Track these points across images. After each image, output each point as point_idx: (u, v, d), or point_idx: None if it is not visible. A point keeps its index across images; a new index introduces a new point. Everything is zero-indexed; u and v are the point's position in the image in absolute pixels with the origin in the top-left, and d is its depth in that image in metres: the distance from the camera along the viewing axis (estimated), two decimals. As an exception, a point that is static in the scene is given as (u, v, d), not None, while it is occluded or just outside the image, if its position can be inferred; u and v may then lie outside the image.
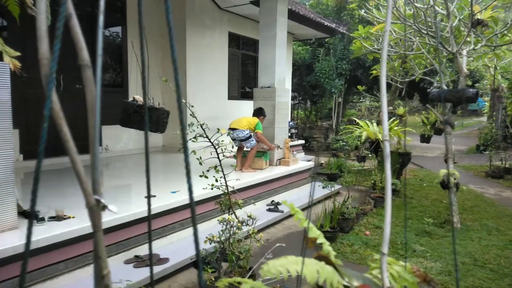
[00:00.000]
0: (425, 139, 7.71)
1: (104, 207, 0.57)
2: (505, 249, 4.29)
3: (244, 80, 9.99)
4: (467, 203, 6.20)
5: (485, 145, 11.36)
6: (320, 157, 10.53)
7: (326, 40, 13.24)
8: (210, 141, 2.47)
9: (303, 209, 5.76)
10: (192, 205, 0.66)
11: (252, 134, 5.90)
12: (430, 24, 5.40)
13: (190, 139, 2.37)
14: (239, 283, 0.85)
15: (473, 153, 12.21)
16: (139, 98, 2.41)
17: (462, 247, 4.30)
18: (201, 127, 2.20)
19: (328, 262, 0.87)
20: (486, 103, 16.80)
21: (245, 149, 6.06)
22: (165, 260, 3.49)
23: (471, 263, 3.88)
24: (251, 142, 5.86)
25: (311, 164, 7.47)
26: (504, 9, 6.07)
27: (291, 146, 8.73)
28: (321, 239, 0.94)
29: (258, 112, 6.17)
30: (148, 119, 2.47)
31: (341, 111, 13.96)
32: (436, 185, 5.37)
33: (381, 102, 0.86)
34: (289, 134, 9.97)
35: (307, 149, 12.38)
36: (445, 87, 5.41)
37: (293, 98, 16.75)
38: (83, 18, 6.78)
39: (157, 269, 3.30)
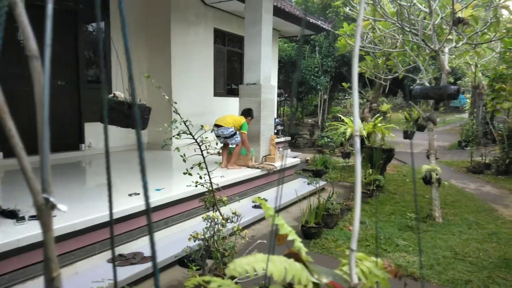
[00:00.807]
0: (408, 135, 7.84)
1: (53, 207, 0.55)
2: (484, 242, 4.40)
3: (230, 76, 9.95)
4: (448, 198, 6.34)
5: (466, 141, 11.63)
6: (306, 154, 10.59)
7: (312, 37, 13.29)
8: (193, 138, 2.45)
9: (288, 206, 5.79)
10: (148, 211, 0.65)
11: (237, 131, 5.88)
12: (413, 22, 5.48)
13: (174, 136, 2.36)
14: (209, 281, 0.84)
15: (455, 149, 12.48)
16: (119, 94, 2.38)
17: (444, 241, 4.39)
18: (185, 123, 2.18)
19: (298, 259, 0.88)
20: (467, 100, 17.16)
21: (230, 146, 6.04)
22: (149, 258, 3.46)
23: (451, 257, 3.97)
24: (236, 139, 5.84)
25: (297, 160, 7.51)
26: (484, 8, 6.19)
27: (277, 143, 8.75)
28: (292, 236, 0.94)
29: (247, 113, 6.14)
30: (136, 115, 2.45)
31: (326, 108, 14.06)
32: (419, 180, 5.47)
33: (353, 97, 0.87)
34: (275, 131, 10.00)
35: (293, 145, 12.44)
36: (428, 84, 5.50)
37: (279, 95, 16.79)
38: (66, 13, 6.65)
39: (141, 267, 3.28)
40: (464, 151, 11.25)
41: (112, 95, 2.45)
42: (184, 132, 2.35)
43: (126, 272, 3.21)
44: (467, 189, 7.10)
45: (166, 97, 2.06)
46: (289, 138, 10.91)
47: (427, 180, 5.11)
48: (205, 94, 8.78)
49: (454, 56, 8.49)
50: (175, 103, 2.18)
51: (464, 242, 4.38)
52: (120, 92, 2.44)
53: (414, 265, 3.75)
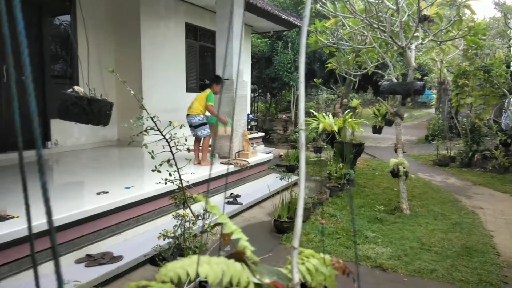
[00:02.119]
0: (376, 130, 8.05)
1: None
2: (448, 232, 4.59)
3: (203, 72, 9.84)
4: (416, 190, 6.56)
5: (433, 135, 12.06)
6: (280, 149, 10.66)
7: (284, 33, 13.34)
8: (161, 134, 2.41)
9: (261, 201, 5.82)
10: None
11: (205, 120, 5.63)
12: (381, 19, 5.60)
13: (141, 132, 2.30)
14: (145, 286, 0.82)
15: (422, 143, 12.92)
16: (79, 89, 2.29)
17: (411, 232, 4.54)
18: (152, 119, 2.13)
19: (241, 259, 0.87)
20: (434, 96, 17.79)
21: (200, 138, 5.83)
22: (119, 258, 3.38)
23: (418, 247, 4.12)
24: (203, 131, 5.60)
25: (270, 156, 7.55)
26: (449, 7, 6.41)
27: (250, 139, 8.75)
28: (237, 234, 0.94)
29: (212, 80, 5.87)
30: (94, 111, 2.36)
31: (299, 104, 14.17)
32: (388, 174, 5.63)
33: (299, 90, 0.87)
34: (249, 127, 10.00)
35: (267, 141, 12.48)
36: (395, 80, 5.65)
37: (253, 91, 16.77)
38: (30, 6, 6.34)
39: (110, 267, 3.20)
40: (431, 145, 11.66)
41: (71, 90, 2.36)
42: (151, 128, 2.30)
43: (95, 273, 3.12)
44: (433, 182, 7.38)
45: (132, 92, 2.00)
46: (262, 134, 10.94)
47: (395, 173, 5.26)
48: (177, 90, 8.64)
49: (421, 53, 8.77)
50: (142, 98, 2.13)
51: (430, 233, 4.55)
52: (79, 87, 2.35)
53: (382, 256, 3.86)
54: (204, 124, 5.61)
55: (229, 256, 0.88)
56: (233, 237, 0.93)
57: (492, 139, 9.28)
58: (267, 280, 0.81)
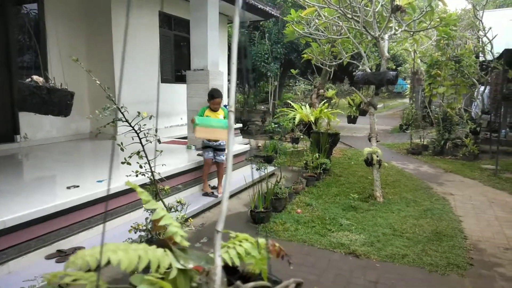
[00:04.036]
0: (351, 119, 8.17)
1: None
2: (420, 218, 4.72)
3: (178, 62, 9.67)
4: (389, 178, 6.71)
5: (407, 125, 12.35)
6: (258, 140, 10.67)
7: (261, 23, 13.26)
8: (130, 125, 2.35)
9: (239, 192, 5.81)
10: None
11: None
12: (355, 9, 5.63)
13: (108, 124, 2.24)
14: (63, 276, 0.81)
15: (396, 132, 13.21)
16: (38, 79, 2.19)
17: (384, 219, 4.65)
18: (119, 109, 2.07)
19: (166, 245, 0.86)
20: (408, 86, 18.17)
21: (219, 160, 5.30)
22: (91, 252, 3.31)
23: (390, 233, 4.22)
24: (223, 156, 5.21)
25: (247, 147, 7.53)
26: (421, -2, 6.52)
27: (227, 130, 8.69)
28: (166, 220, 0.93)
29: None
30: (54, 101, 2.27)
31: (277, 95, 14.20)
32: (363, 163, 5.73)
33: (231, 73, 0.86)
34: (226, 118, 9.94)
35: (245, 132, 12.46)
36: (369, 70, 5.72)
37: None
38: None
39: (81, 262, 3.12)
40: (405, 134, 11.94)
41: (29, 79, 2.26)
42: (119, 119, 2.25)
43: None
44: (406, 170, 7.57)
45: (98, 81, 1.94)
46: (240, 125, 10.90)
47: (369, 162, 5.36)
48: (151, 81, 8.46)
49: (395, 43, 8.90)
50: (108, 88, 2.06)
51: (402, 219, 4.67)
52: (37, 76, 2.25)
53: (356, 243, 3.95)
54: (224, 149, 5.21)
55: (155, 243, 0.87)
56: (162, 223, 0.92)
57: (463, 127, 9.58)
58: (190, 265, 0.81)
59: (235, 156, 6.87)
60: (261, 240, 0.97)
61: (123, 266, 0.74)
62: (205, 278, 0.78)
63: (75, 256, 0.75)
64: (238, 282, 0.84)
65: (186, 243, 0.90)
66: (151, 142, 2.48)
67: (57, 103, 2.25)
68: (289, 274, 3.37)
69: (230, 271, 0.90)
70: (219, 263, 0.79)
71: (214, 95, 5.26)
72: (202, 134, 5.00)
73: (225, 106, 9.66)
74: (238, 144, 7.55)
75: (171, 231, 0.89)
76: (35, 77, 2.17)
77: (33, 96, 2.12)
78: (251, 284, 0.85)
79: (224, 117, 5.24)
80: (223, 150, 5.19)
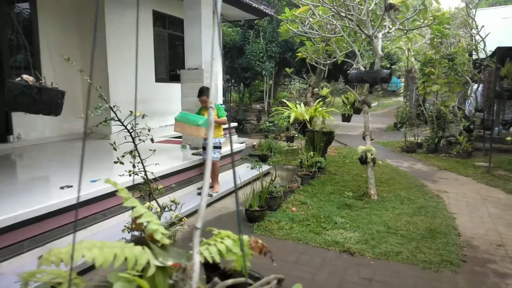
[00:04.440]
0: (346, 118, 8.18)
1: None
2: (414, 215, 4.75)
3: (173, 61, 9.63)
4: (384, 176, 6.74)
5: (401, 123, 12.40)
6: (253, 139, 10.67)
7: (256, 22, 13.24)
8: (122, 124, 2.34)
9: (234, 191, 5.81)
10: None
11: (219, 143, 5.36)
12: (349, 7, 5.64)
13: (100, 123, 2.23)
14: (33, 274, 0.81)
15: (391, 131, 13.27)
16: (28, 78, 2.18)
17: (378, 217, 4.67)
18: (111, 109, 2.06)
19: (144, 242, 0.86)
20: (402, 84, 18.25)
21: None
22: (85, 252, 3.29)
23: (385, 231, 4.24)
24: (213, 154, 5.25)
25: (242, 146, 7.53)
26: (414, -4, 6.55)
27: (223, 129, 8.68)
28: (146, 218, 0.93)
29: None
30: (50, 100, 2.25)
31: (272, 94, 14.20)
32: (357, 161, 5.74)
33: (211, 69, 0.86)
34: (221, 117, 9.91)
35: (241, 131, 12.45)
36: (363, 69, 5.73)
37: (226, 81, 16.60)
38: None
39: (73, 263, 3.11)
40: (399, 132, 11.99)
41: (19, 78, 2.24)
42: (111, 119, 2.23)
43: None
44: (401, 167, 7.60)
45: (89, 80, 1.93)
46: (235, 124, 10.89)
47: (363, 160, 5.38)
48: (146, 80, 8.44)
49: (389, 42, 8.93)
50: (100, 87, 2.05)
51: (397, 217, 4.70)
52: (27, 75, 2.23)
53: (350, 240, 3.96)
54: (217, 147, 5.36)
55: (134, 241, 0.86)
56: (141, 220, 0.92)
57: (456, 125, 9.64)
58: (169, 262, 0.81)
59: (230, 155, 6.87)
60: (245, 237, 0.97)
61: (98, 263, 0.74)
62: (181, 275, 0.78)
63: (48, 254, 0.74)
64: (216, 279, 0.84)
65: (166, 241, 0.90)
66: (143, 141, 2.47)
67: (48, 102, 2.23)
68: (284, 272, 3.38)
69: (211, 268, 0.91)
70: (197, 260, 0.79)
71: (200, 93, 5.37)
72: (178, 129, 5.25)
73: (220, 105, 9.63)
74: (233, 143, 7.54)
75: (151, 229, 0.89)
76: (25, 76, 2.15)
77: (23, 95, 2.11)
78: (230, 280, 0.85)
79: (217, 115, 5.22)
80: (216, 148, 5.22)
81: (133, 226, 0.94)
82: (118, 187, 0.94)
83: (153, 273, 0.79)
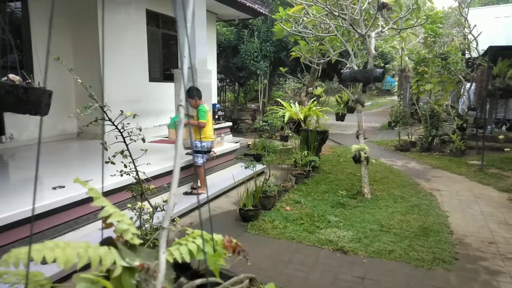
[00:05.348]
0: (339, 117, 8.20)
1: None
2: (407, 214, 4.77)
3: (167, 61, 9.60)
4: (377, 175, 6.76)
5: (395, 122, 12.45)
6: (248, 139, 10.67)
7: (250, 21, 13.23)
8: (113, 124, 2.32)
9: (228, 190, 5.80)
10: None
11: (201, 147, 5.17)
12: (343, 6, 5.66)
13: (91, 123, 2.21)
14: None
15: (385, 129, 13.32)
16: (15, 77, 2.16)
17: (371, 215, 4.69)
18: (102, 108, 2.04)
19: (111, 243, 0.86)
20: (396, 83, 18.32)
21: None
22: (77, 253, 3.27)
23: (378, 229, 4.26)
24: (196, 159, 5.19)
25: (237, 145, 7.52)
26: (407, -5, 6.58)
27: (217, 129, 8.68)
28: (115, 217, 0.92)
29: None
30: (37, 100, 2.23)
31: (267, 93, 14.20)
32: (351, 160, 5.76)
33: (183, 64, 0.86)
34: (216, 117, 9.91)
35: (235, 131, 12.44)
36: (356, 68, 5.75)
37: (221, 80, 16.58)
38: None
39: (67, 263, 3.09)
40: (393, 131, 12.04)
41: (5, 78, 2.22)
42: (101, 119, 2.22)
43: (52, 270, 3.01)
44: (394, 166, 7.64)
45: (79, 80, 1.92)
46: (230, 124, 10.87)
47: (357, 159, 5.39)
48: (139, 80, 8.40)
49: (382, 41, 8.97)
50: (90, 87, 2.04)
51: (390, 215, 4.72)
52: (14, 75, 2.21)
53: (344, 239, 3.97)
54: (199, 152, 5.18)
55: (101, 241, 0.86)
56: (111, 220, 0.91)
57: (450, 124, 9.70)
58: (136, 263, 0.81)
59: (224, 154, 6.86)
60: (218, 236, 0.96)
61: (60, 263, 0.74)
62: (144, 275, 0.77)
63: (8, 255, 0.74)
64: (182, 279, 0.84)
65: (137, 241, 0.90)
66: (135, 141, 2.46)
67: (34, 102, 2.20)
68: (277, 271, 3.37)
69: (183, 268, 0.90)
70: (163, 260, 0.78)
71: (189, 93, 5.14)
72: (172, 135, 5.38)
73: (214, 104, 9.60)
74: (227, 143, 7.53)
75: (120, 229, 0.88)
76: (11, 76, 2.13)
77: (9, 95, 2.09)
78: (198, 280, 0.85)
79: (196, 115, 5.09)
80: (198, 152, 5.12)
81: (104, 226, 0.93)
82: (87, 186, 0.93)
83: (120, 273, 0.79)
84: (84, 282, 0.75)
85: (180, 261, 0.88)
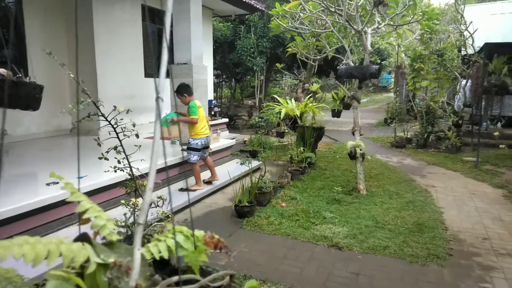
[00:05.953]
0: (335, 113, 8.21)
1: None
2: (402, 210, 4.79)
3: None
4: (373, 171, 6.78)
5: (391, 118, 12.47)
6: (244, 135, 10.65)
7: (247, 17, 13.17)
8: (106, 119, 2.30)
9: (224, 187, 5.79)
10: None
11: (194, 144, 5.17)
12: (339, 2, 5.64)
13: (83, 118, 2.19)
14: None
15: (381, 126, 13.35)
16: (4, 71, 2.13)
17: (367, 211, 4.70)
18: (94, 104, 2.02)
19: (86, 239, 0.85)
20: (393, 80, 18.34)
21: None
22: (71, 249, 3.25)
23: (373, 225, 4.27)
24: (189, 156, 5.18)
25: (232, 141, 7.51)
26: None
27: (213, 125, 8.66)
28: (92, 213, 0.91)
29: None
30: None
31: (264, 89, 14.17)
32: (347, 156, 5.76)
33: (161, 56, 0.84)
34: (212, 113, 9.89)
35: (232, 127, 12.42)
36: (352, 64, 5.73)
37: (217, 76, 16.52)
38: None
39: (59, 261, 3.07)
40: (389, 128, 12.08)
41: (-6, 73, 2.19)
42: (94, 114, 2.20)
43: (41, 269, 2.99)
44: (390, 163, 7.65)
45: (72, 75, 1.89)
46: (226, 120, 10.86)
47: (352, 155, 5.40)
48: (135, 75, 8.35)
49: (379, 37, 8.96)
50: (82, 82, 2.01)
51: (385, 211, 4.73)
52: (3, 69, 2.18)
53: (339, 235, 3.98)
54: (192, 149, 5.15)
55: (76, 238, 0.85)
56: (87, 215, 0.90)
57: (445, 120, 9.73)
58: (111, 260, 0.80)
59: (220, 150, 6.85)
60: (199, 232, 0.95)
61: (28, 260, 0.72)
62: (116, 272, 0.76)
63: None
64: (157, 276, 0.83)
65: (115, 237, 0.88)
66: (128, 137, 2.44)
67: (24, 97, 2.18)
68: (272, 267, 3.36)
69: (162, 265, 0.89)
70: (137, 257, 0.77)
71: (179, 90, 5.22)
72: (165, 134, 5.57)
73: (210, 100, 9.55)
74: (224, 139, 7.52)
75: (97, 225, 0.87)
76: (1, 70, 2.11)
77: (1, 90, 2.06)
78: (175, 278, 0.84)
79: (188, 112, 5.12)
80: (190, 149, 5.15)
81: (81, 222, 0.92)
82: (63, 181, 0.92)
83: (95, 270, 0.77)
84: (55, 279, 0.74)
85: (157, 257, 0.87)
